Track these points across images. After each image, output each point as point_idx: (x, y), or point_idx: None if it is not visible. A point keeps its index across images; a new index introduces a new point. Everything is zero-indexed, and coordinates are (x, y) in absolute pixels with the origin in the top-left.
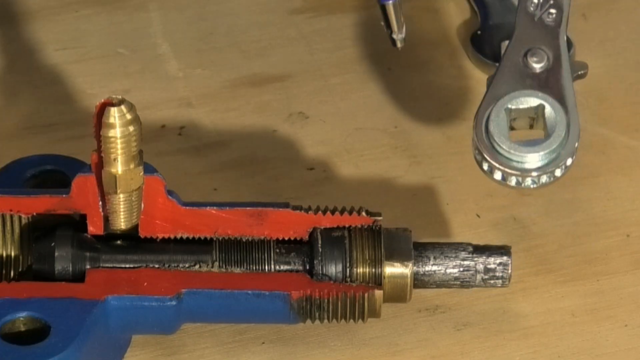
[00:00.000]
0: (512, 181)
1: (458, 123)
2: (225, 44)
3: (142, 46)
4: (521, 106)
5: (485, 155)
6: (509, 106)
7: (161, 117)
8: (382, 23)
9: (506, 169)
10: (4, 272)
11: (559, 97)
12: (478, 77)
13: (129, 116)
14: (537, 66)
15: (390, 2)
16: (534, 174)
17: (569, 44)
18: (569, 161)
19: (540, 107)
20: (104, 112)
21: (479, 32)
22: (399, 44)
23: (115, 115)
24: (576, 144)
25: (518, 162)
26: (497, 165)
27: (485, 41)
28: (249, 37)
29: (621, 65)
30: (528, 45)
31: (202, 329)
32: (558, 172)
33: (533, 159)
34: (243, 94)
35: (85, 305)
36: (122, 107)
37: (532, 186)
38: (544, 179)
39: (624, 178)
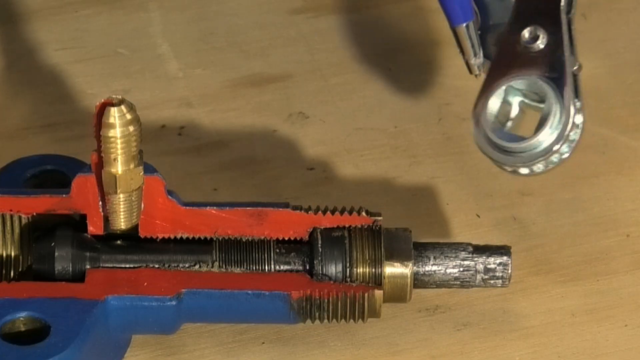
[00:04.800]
0: (524, 171)
1: (458, 123)
2: (225, 44)
3: (142, 46)
4: (518, 92)
5: (487, 152)
6: (508, 98)
7: (161, 117)
8: (458, 50)
9: (510, 163)
10: (4, 272)
11: (556, 80)
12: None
13: (129, 116)
14: (535, 46)
15: (463, 24)
16: (540, 158)
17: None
18: (573, 135)
19: (538, 92)
20: (104, 112)
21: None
22: (476, 71)
23: (115, 115)
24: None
25: (521, 153)
26: (500, 161)
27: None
28: (249, 37)
29: (621, 65)
30: (525, 24)
31: (202, 329)
32: (565, 149)
33: (537, 144)
34: (243, 94)
35: (85, 305)
36: (122, 107)
37: (543, 169)
38: (555, 157)
39: (624, 178)
